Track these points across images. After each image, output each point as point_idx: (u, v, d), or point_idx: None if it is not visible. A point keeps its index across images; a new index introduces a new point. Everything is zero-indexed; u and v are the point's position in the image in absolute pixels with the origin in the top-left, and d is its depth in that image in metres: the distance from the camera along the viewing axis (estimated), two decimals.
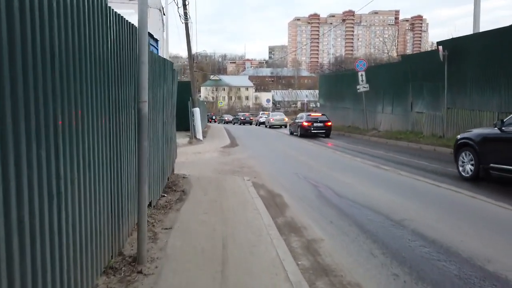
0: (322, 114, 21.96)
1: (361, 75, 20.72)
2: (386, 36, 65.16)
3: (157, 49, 12.85)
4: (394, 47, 43.52)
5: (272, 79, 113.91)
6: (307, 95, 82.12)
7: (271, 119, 34.39)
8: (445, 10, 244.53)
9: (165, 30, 20.25)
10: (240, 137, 21.27)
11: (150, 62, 5.09)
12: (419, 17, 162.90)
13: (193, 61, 24.03)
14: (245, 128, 35.41)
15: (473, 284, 3.36)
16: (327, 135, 20.45)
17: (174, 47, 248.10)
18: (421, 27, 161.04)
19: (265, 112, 46.86)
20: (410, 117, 17.58)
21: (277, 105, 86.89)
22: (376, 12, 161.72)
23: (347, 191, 7.04)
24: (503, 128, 7.04)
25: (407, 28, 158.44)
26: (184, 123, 18.66)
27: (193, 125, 18.98)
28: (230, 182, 7.74)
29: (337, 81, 27.78)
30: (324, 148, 15.13)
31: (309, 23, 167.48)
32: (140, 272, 3.30)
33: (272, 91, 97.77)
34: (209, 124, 39.32)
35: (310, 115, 21.81)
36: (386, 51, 42.75)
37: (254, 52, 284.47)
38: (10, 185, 1.74)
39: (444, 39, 15.43)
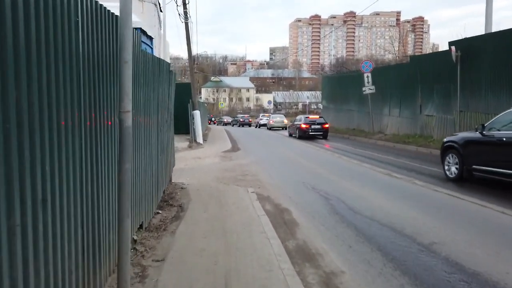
0: (320, 117, 22.68)
1: (367, 76, 20.03)
2: (387, 38, 64.47)
3: (152, 48, 12.07)
4: (402, 47, 42.87)
5: (273, 81, 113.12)
6: (308, 97, 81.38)
7: (271, 121, 34.99)
8: (446, 11, 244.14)
9: (162, 28, 19.44)
10: (242, 141, 20.95)
11: (141, 62, 4.40)
12: (420, 18, 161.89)
13: (194, 62, 23.31)
14: (245, 130, 35.46)
15: None
16: (324, 136, 20.82)
17: (174, 48, 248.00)
18: (422, 28, 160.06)
19: (266, 114, 46.37)
20: (419, 120, 16.85)
21: (278, 106, 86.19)
22: (377, 13, 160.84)
23: (361, 205, 6.34)
24: (484, 132, 7.56)
25: (408, 29, 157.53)
26: (184, 126, 18.03)
27: (193, 128, 18.29)
28: (233, 194, 7.04)
29: (341, 82, 27.09)
30: (330, 152, 14.39)
31: (310, 24, 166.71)
32: None
33: (273, 92, 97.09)
34: (209, 126, 39.19)
35: (308, 117, 22.09)
36: (394, 52, 41.99)
37: (255, 53, 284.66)
38: None
39: (456, 39, 14.71)
